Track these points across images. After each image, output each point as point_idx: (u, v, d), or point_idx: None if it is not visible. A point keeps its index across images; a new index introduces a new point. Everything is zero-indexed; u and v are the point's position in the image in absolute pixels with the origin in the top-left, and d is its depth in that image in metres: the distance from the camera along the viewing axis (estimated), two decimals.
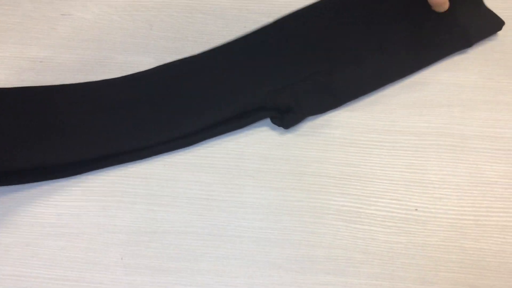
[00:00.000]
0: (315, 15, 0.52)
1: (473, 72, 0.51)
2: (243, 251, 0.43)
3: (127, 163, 0.47)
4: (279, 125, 0.48)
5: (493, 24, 0.52)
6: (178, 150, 0.47)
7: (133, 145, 0.47)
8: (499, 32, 0.53)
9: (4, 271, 0.43)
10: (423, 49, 0.51)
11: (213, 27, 0.54)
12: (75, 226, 0.45)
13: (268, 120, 0.49)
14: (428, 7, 0.51)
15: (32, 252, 0.44)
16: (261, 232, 0.44)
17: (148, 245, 0.44)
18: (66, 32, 0.55)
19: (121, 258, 0.43)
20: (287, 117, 0.48)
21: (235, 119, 0.48)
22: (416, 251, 0.43)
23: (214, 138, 0.48)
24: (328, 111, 0.49)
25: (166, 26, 0.55)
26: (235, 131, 0.48)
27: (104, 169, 0.47)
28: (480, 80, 0.50)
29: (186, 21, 0.55)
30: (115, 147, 0.47)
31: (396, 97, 0.49)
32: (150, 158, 0.47)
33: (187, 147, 0.48)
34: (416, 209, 0.44)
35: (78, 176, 0.46)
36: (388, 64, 0.50)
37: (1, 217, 0.45)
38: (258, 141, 0.48)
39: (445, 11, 0.51)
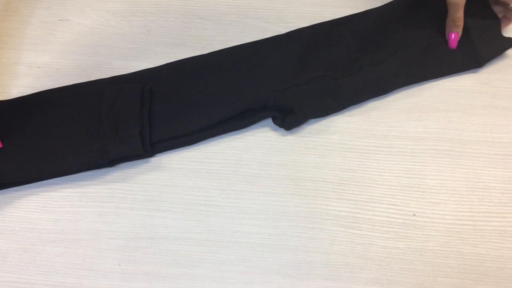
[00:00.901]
0: (327, 29, 0.52)
1: (470, 77, 0.51)
2: (241, 256, 0.43)
3: (127, 166, 0.47)
4: (280, 126, 0.48)
5: (503, 43, 0.51)
6: (176, 155, 0.47)
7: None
8: None
9: (1, 278, 0.43)
10: (429, 62, 0.51)
11: (211, 32, 0.54)
12: (72, 232, 0.44)
13: (265, 126, 0.49)
14: (441, 25, 0.51)
15: (29, 258, 0.44)
16: (259, 237, 0.44)
17: (145, 251, 0.44)
18: (64, 38, 0.55)
19: (119, 264, 0.43)
20: (289, 118, 0.48)
21: (239, 118, 0.48)
22: (414, 256, 0.43)
23: (212, 144, 0.48)
24: (329, 115, 0.49)
25: (164, 31, 0.55)
26: (232, 136, 0.48)
27: (102, 174, 0.47)
28: (478, 85, 0.50)
29: (184, 27, 0.55)
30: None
31: (394, 102, 0.50)
32: (148, 162, 0.47)
33: (188, 148, 0.48)
34: (414, 214, 0.44)
35: (75, 180, 0.46)
36: (390, 75, 0.50)
37: None
38: (256, 146, 0.48)
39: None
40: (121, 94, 0.48)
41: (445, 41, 0.51)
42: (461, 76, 0.51)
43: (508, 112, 0.49)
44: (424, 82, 0.50)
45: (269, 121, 0.49)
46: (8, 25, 0.56)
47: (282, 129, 0.48)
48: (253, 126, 0.49)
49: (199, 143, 0.48)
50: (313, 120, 0.49)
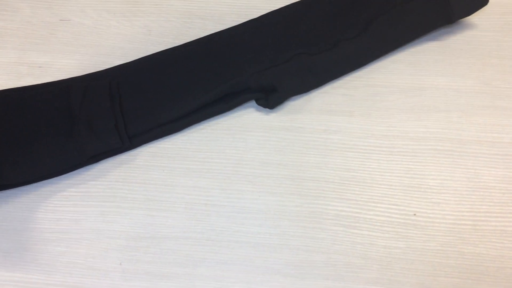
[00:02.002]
0: (300, 8, 0.54)
1: (470, 77, 0.51)
2: (242, 256, 0.43)
3: (128, 166, 0.47)
4: (264, 106, 0.49)
5: (477, 0, 0.52)
6: (177, 154, 0.48)
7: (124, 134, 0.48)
8: (497, 37, 0.53)
9: (3, 277, 0.43)
10: (402, 29, 0.52)
11: (212, 32, 0.54)
12: (74, 232, 0.45)
13: (266, 125, 0.49)
14: None
15: (31, 257, 0.44)
16: (259, 237, 0.44)
17: (146, 251, 0.44)
18: (65, 38, 0.55)
19: (120, 264, 0.43)
20: (271, 97, 0.49)
21: (222, 102, 0.49)
22: (414, 256, 0.43)
23: (212, 144, 0.48)
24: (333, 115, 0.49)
25: (165, 31, 0.55)
26: (233, 136, 0.48)
27: (103, 174, 0.47)
28: (478, 85, 0.50)
29: (185, 27, 0.55)
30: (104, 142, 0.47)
31: (394, 102, 0.50)
32: (149, 162, 0.47)
33: (189, 148, 0.48)
34: (415, 214, 0.44)
35: (77, 180, 0.47)
36: (367, 47, 0.51)
37: (0, 222, 0.45)
38: (257, 146, 0.48)
39: None
40: (89, 91, 0.48)
41: (417, 3, 0.51)
42: (461, 76, 0.51)
43: (508, 112, 0.49)
44: (423, 82, 0.51)
45: (269, 120, 0.49)
46: (9, 25, 0.56)
47: (282, 128, 0.49)
48: (254, 125, 0.49)
49: (200, 143, 0.48)
50: (314, 119, 0.49)
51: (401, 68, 0.52)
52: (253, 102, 0.50)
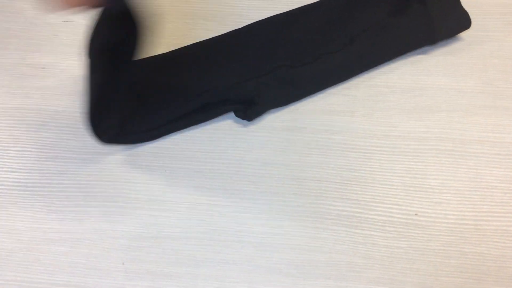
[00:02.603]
0: (284, 21, 0.54)
1: (472, 77, 0.51)
2: (244, 256, 0.43)
3: (131, 166, 0.47)
4: (242, 118, 0.49)
5: (461, 23, 0.52)
6: (180, 154, 0.48)
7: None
8: (498, 37, 0.53)
9: (7, 277, 0.43)
10: (386, 45, 0.52)
11: (214, 33, 0.54)
12: (77, 232, 0.45)
13: (267, 126, 0.49)
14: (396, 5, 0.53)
15: (34, 257, 0.44)
16: (261, 237, 0.44)
17: (149, 250, 0.44)
18: (68, 39, 0.55)
19: (123, 263, 0.43)
20: (250, 109, 0.49)
21: (199, 112, 0.49)
22: (416, 256, 0.43)
23: (214, 144, 0.48)
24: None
25: (167, 32, 0.55)
26: (235, 136, 0.49)
27: (106, 174, 0.47)
28: (479, 85, 0.50)
29: (187, 28, 0.56)
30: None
31: (396, 103, 0.50)
32: (151, 162, 0.47)
33: (191, 148, 0.48)
34: (416, 214, 0.45)
35: (80, 180, 0.47)
36: (349, 61, 0.51)
37: (3, 222, 0.45)
38: (259, 146, 0.48)
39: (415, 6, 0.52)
40: None
41: (401, 19, 0.51)
42: (463, 76, 0.51)
43: (510, 112, 0.49)
44: (424, 82, 0.51)
45: (271, 120, 0.49)
46: (13, 26, 0.56)
47: (284, 129, 0.49)
48: (256, 126, 0.49)
49: (202, 143, 0.48)
50: (315, 120, 0.49)
51: (403, 68, 0.52)
52: None
